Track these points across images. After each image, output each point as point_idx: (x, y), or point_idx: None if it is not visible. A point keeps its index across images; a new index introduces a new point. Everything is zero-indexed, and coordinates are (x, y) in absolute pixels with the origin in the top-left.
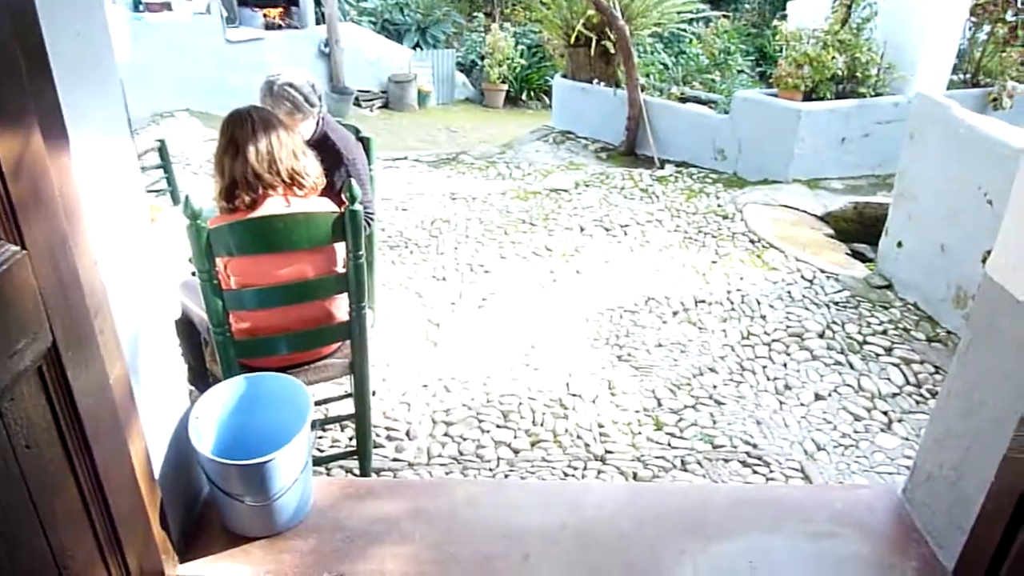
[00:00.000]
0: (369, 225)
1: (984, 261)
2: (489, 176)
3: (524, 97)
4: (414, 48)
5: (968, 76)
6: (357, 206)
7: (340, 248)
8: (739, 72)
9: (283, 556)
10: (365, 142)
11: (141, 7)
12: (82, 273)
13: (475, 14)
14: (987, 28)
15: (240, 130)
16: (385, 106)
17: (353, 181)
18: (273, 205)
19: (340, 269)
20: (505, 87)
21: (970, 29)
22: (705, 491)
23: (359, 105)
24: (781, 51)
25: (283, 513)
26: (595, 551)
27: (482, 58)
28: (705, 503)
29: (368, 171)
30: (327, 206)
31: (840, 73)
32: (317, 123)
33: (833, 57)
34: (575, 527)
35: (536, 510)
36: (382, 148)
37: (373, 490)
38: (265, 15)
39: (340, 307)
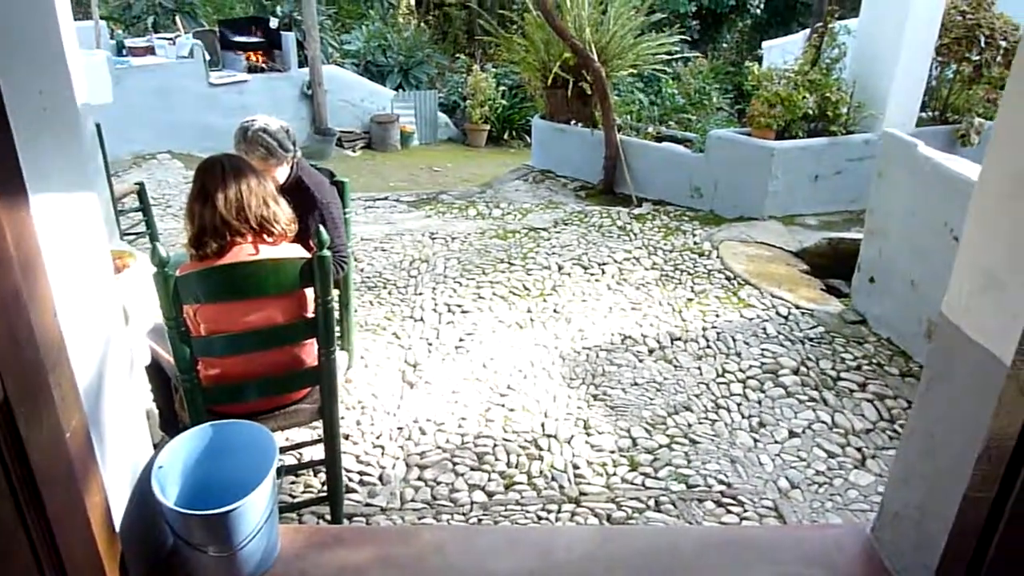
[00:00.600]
0: (342, 268)
1: None
2: (468, 215)
3: (506, 136)
4: (397, 89)
5: (937, 113)
6: (326, 251)
7: (311, 293)
8: (718, 109)
9: None
10: (339, 185)
11: (125, 51)
12: (38, 327)
13: (457, 55)
14: (953, 67)
15: (210, 177)
16: (368, 147)
17: (321, 227)
18: (241, 252)
19: (311, 314)
20: (487, 127)
21: (937, 68)
22: (675, 533)
23: (342, 146)
24: (755, 90)
25: (248, 563)
26: None
27: (464, 99)
28: (675, 546)
29: (343, 214)
30: (297, 252)
31: (811, 112)
32: (291, 167)
33: (804, 97)
34: (543, 573)
35: (504, 556)
36: (364, 189)
37: (340, 537)
38: (248, 58)
39: (310, 352)
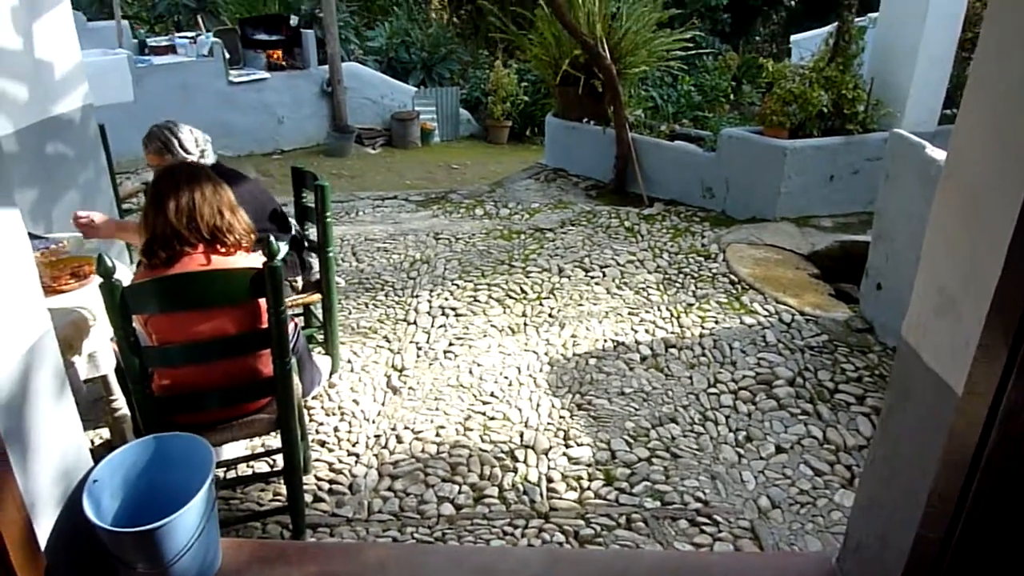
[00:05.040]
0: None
1: None
2: (475, 215)
3: (528, 133)
4: (419, 86)
5: None
6: (278, 262)
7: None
8: (750, 104)
9: None
10: (321, 189)
11: (147, 50)
12: None
13: (480, 51)
14: None
15: (165, 185)
16: (388, 144)
17: (272, 238)
18: (192, 263)
19: (265, 324)
20: (509, 123)
21: (960, 64)
22: (627, 558)
23: (362, 143)
24: (769, 88)
25: None
26: None
27: (486, 95)
28: (625, 571)
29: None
30: (251, 262)
31: (827, 110)
32: None
33: (819, 94)
34: None
35: None
36: (379, 187)
37: (284, 553)
38: (269, 56)
39: (267, 362)
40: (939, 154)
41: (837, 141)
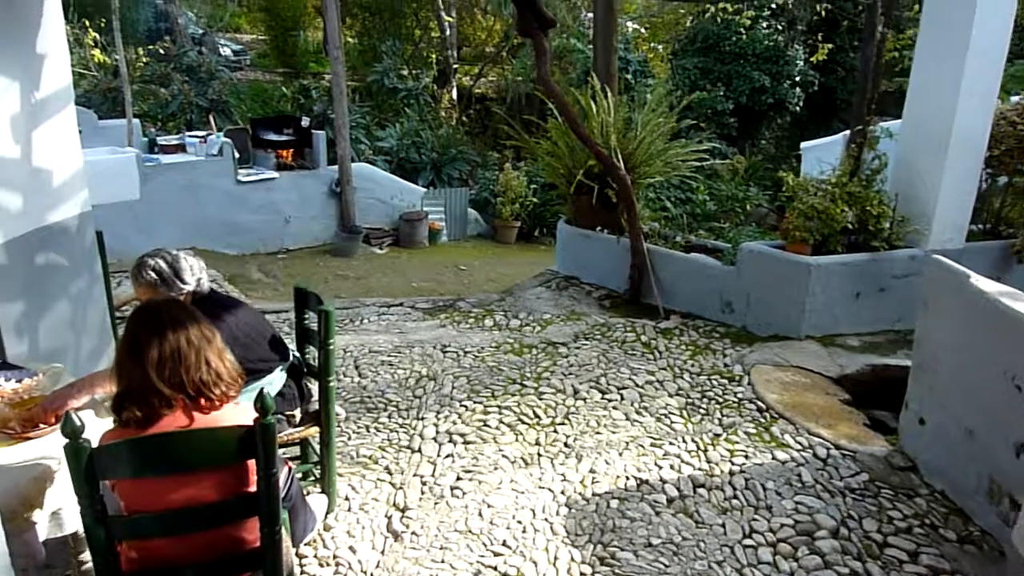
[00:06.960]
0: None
1: (1018, 454)
2: (484, 326)
3: (537, 233)
4: (428, 187)
5: (988, 226)
6: (270, 419)
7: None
8: (757, 206)
9: None
10: (324, 315)
11: (156, 149)
12: None
13: (490, 152)
14: (1005, 179)
15: (144, 329)
16: (395, 244)
17: (265, 392)
18: (171, 423)
19: (252, 488)
20: (518, 224)
21: (986, 180)
22: None
23: (369, 243)
24: (789, 201)
25: None
26: None
27: (495, 195)
28: None
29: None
30: (239, 418)
31: (851, 226)
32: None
33: (842, 210)
34: None
35: None
36: (385, 289)
37: None
38: (278, 156)
39: (253, 529)
40: (985, 284)
41: (863, 258)
